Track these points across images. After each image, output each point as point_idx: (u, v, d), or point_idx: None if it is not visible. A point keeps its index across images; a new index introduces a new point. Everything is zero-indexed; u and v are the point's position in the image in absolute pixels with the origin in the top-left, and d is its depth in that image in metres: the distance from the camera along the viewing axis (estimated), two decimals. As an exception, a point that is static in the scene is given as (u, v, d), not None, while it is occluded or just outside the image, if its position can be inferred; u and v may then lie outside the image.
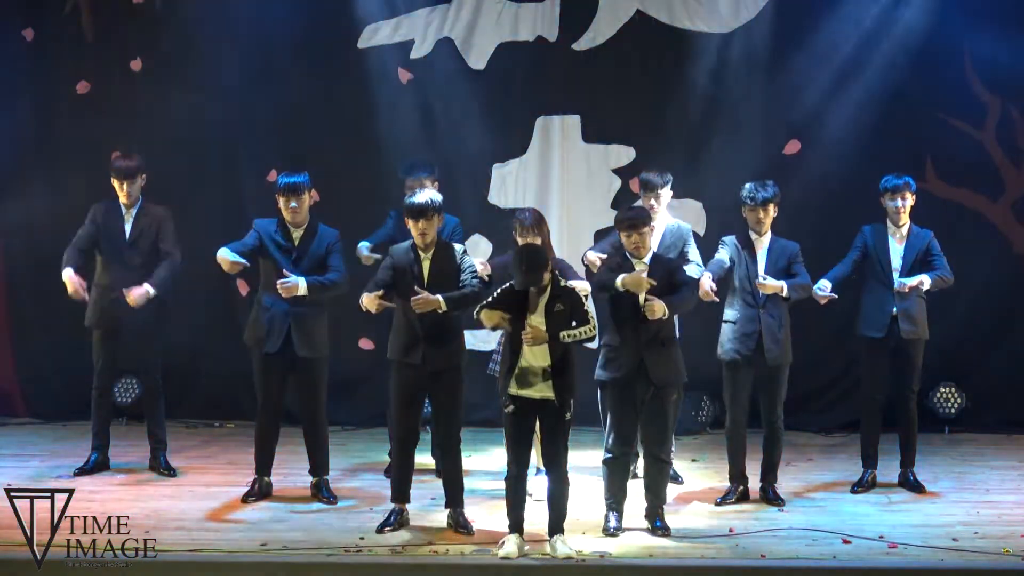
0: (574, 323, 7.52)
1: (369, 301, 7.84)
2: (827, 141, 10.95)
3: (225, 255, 8.47)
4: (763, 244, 8.63)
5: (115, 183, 9.31)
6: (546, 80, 11.19)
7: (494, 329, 7.73)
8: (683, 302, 7.93)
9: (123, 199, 9.31)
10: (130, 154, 9.45)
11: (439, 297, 7.78)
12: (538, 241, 8.22)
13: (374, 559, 7.43)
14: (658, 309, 7.74)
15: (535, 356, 7.52)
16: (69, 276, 9.11)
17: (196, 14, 11.16)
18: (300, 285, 8.44)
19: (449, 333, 7.94)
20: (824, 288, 8.84)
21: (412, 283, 7.93)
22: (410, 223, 7.98)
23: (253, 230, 8.68)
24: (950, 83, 10.89)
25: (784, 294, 8.49)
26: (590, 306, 7.70)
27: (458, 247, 8.14)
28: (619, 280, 7.78)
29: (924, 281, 8.81)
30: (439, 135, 11.15)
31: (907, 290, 8.80)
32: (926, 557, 7.50)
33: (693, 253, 8.90)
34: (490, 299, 7.60)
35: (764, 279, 8.48)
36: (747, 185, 8.67)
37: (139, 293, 9.12)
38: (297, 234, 8.62)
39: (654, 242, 8.34)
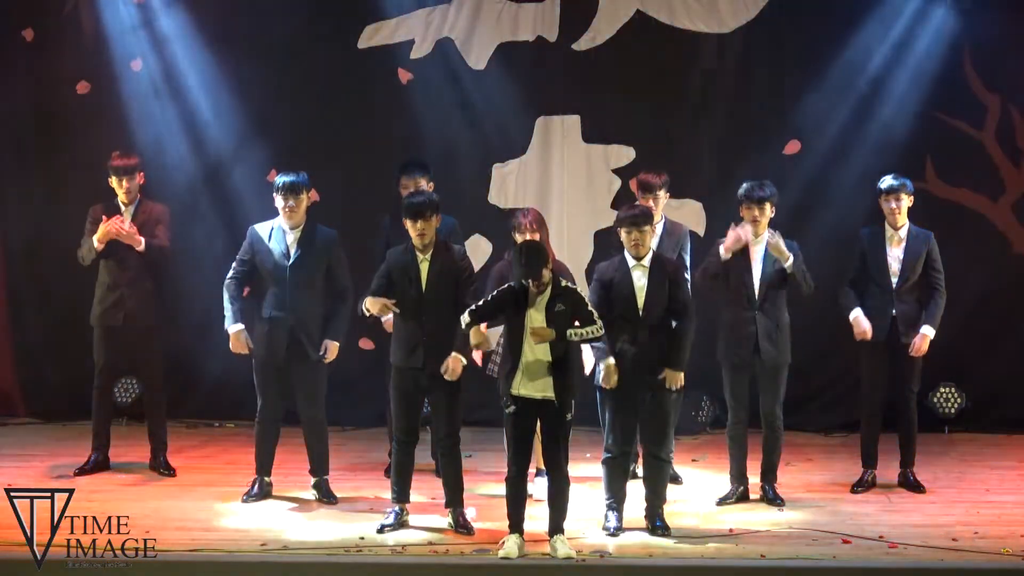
0: (577, 323, 7.51)
1: (372, 302, 7.84)
2: (827, 141, 10.95)
3: (242, 340, 8.60)
4: (760, 245, 8.61)
5: (114, 181, 9.30)
6: (546, 80, 11.19)
7: (476, 347, 7.80)
8: (684, 349, 7.93)
9: (122, 197, 9.30)
10: (128, 153, 9.46)
11: (458, 356, 7.85)
12: (537, 240, 8.21)
13: (374, 559, 7.42)
14: (680, 379, 7.84)
15: (536, 354, 7.50)
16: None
17: (196, 15, 11.16)
18: (333, 350, 8.59)
19: (449, 337, 7.91)
20: (864, 322, 8.87)
21: (410, 286, 7.91)
22: (408, 223, 7.95)
23: (247, 241, 8.66)
24: (950, 83, 10.89)
25: (788, 264, 8.41)
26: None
27: (457, 249, 8.13)
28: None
29: (927, 333, 8.81)
30: (439, 135, 11.14)
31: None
32: (926, 557, 7.50)
33: (685, 268, 8.82)
34: (489, 298, 7.58)
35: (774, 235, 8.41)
36: (744, 185, 8.66)
37: (131, 232, 9.09)
38: (294, 236, 8.60)
39: (652, 243, 8.32)
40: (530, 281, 7.46)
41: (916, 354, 8.92)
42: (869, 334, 8.91)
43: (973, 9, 10.75)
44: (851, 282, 9.04)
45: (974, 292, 10.71)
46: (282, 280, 8.55)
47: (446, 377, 7.84)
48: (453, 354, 7.85)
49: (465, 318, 7.53)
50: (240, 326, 8.58)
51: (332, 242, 8.67)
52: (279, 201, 8.56)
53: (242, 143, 11.22)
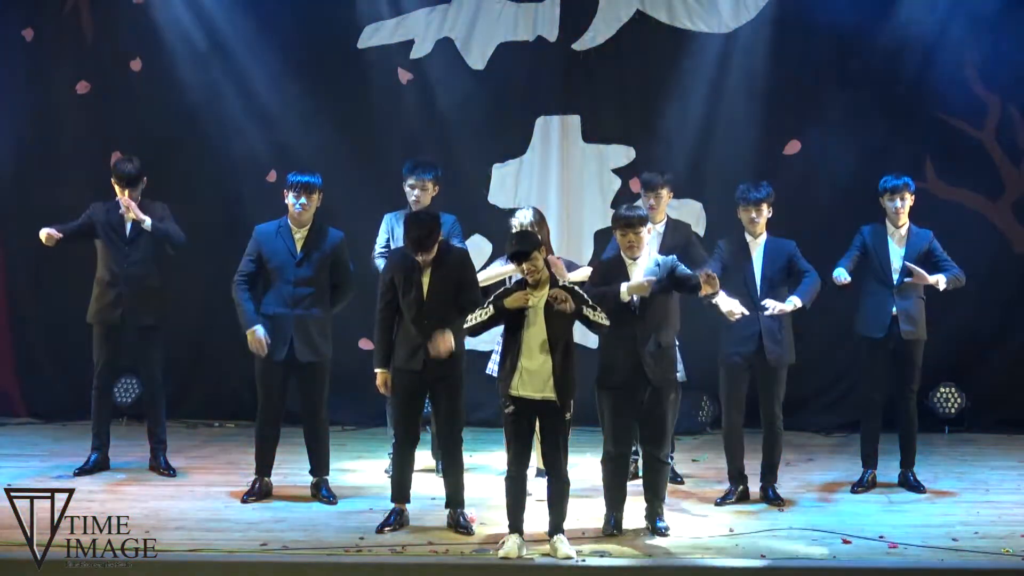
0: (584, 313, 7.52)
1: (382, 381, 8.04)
2: (827, 141, 10.95)
3: (260, 337, 8.54)
4: (759, 245, 8.62)
5: (116, 188, 9.28)
6: (546, 80, 11.20)
7: (518, 308, 7.56)
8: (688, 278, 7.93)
9: (123, 201, 9.29)
10: (131, 158, 9.37)
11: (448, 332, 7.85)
12: (537, 240, 8.19)
13: (374, 559, 7.43)
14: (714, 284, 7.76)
15: (535, 354, 7.48)
16: (45, 231, 9.07)
17: (195, 15, 11.16)
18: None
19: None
20: (841, 276, 8.82)
21: (412, 290, 7.88)
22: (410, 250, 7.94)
23: (253, 240, 8.65)
24: (950, 83, 10.89)
25: (801, 304, 8.48)
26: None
27: (459, 250, 8.09)
28: (623, 289, 7.75)
29: (940, 280, 8.81)
30: (439, 135, 11.15)
31: (923, 281, 8.76)
32: (926, 557, 7.51)
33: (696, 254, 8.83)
34: (489, 303, 7.57)
35: (770, 306, 8.44)
36: (740, 186, 8.67)
37: (136, 209, 9.08)
38: (301, 235, 8.60)
39: (655, 240, 8.33)
40: (523, 266, 7.44)
41: (918, 279, 8.83)
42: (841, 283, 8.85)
43: (973, 9, 10.76)
44: (846, 267, 8.97)
45: (974, 292, 10.68)
46: (286, 278, 8.55)
47: (432, 352, 7.78)
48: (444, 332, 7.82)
49: (469, 323, 7.54)
50: (258, 325, 8.54)
51: (339, 244, 8.67)
52: (291, 198, 8.55)
53: (241, 143, 11.22)
